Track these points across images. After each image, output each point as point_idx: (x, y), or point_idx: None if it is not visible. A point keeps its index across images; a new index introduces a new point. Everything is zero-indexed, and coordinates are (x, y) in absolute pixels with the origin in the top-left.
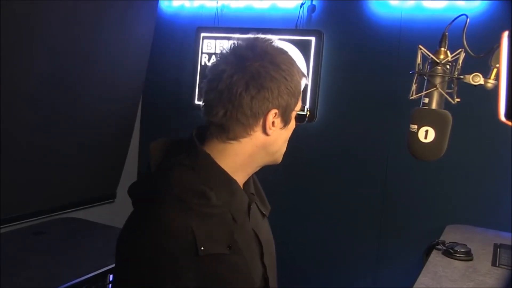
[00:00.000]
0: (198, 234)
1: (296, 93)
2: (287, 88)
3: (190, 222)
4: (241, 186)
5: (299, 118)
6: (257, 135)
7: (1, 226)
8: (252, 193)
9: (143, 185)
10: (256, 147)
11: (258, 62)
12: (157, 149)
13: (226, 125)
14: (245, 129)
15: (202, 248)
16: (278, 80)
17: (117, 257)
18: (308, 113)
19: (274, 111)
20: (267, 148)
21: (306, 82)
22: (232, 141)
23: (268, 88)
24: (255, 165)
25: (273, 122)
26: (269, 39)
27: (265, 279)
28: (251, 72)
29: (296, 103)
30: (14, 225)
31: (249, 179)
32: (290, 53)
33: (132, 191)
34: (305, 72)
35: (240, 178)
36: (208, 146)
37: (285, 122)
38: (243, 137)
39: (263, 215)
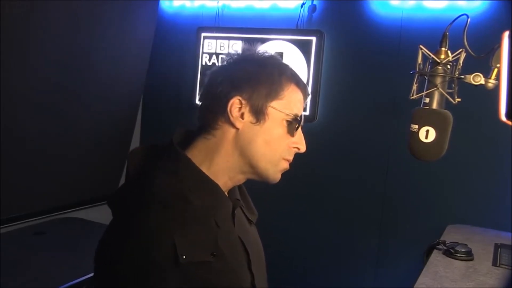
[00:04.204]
0: (179, 242)
1: (268, 83)
2: (256, 76)
3: (172, 230)
4: (225, 192)
5: (290, 125)
6: (226, 128)
7: (1, 226)
8: (238, 199)
9: (124, 193)
10: (229, 143)
11: (238, 59)
12: (136, 156)
13: (200, 116)
14: (214, 117)
15: (184, 256)
16: (246, 66)
17: (97, 264)
18: (299, 119)
19: (237, 97)
20: (242, 147)
21: (292, 85)
22: (207, 136)
23: (233, 74)
24: (235, 169)
25: (242, 114)
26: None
27: (253, 287)
28: (227, 66)
29: (269, 95)
30: (14, 225)
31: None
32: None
33: (112, 200)
34: (296, 79)
35: (222, 183)
36: (190, 150)
37: (257, 116)
38: (214, 128)
39: (250, 222)
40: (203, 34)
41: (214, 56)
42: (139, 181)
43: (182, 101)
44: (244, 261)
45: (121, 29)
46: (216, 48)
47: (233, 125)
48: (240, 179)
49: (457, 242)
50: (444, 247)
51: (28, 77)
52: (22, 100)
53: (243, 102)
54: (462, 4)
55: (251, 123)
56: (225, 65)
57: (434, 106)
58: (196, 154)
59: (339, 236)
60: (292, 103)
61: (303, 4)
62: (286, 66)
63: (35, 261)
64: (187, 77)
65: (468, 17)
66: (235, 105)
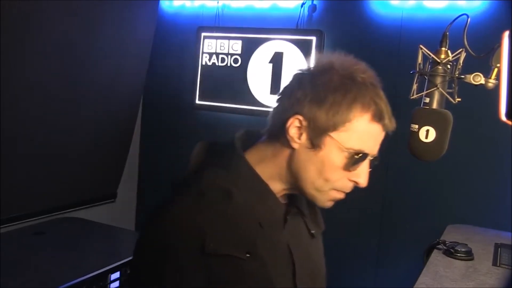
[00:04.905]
0: (209, 231)
1: (332, 111)
2: (321, 99)
3: (204, 218)
4: (279, 196)
5: (349, 159)
6: (284, 143)
7: (1, 226)
8: (298, 207)
9: (179, 181)
10: (284, 159)
11: (316, 70)
12: (199, 149)
13: (268, 120)
14: (276, 128)
15: (212, 245)
16: (316, 84)
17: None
18: (361, 155)
19: (298, 116)
20: (294, 168)
21: (364, 116)
22: (267, 143)
23: (301, 88)
24: (286, 183)
25: (300, 135)
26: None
27: None
28: (305, 75)
29: (330, 124)
30: (14, 225)
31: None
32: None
33: (172, 185)
34: (375, 110)
35: (277, 187)
36: (249, 150)
37: (312, 141)
38: (275, 139)
39: (312, 234)
40: (203, 34)
41: (214, 56)
42: (193, 172)
43: (182, 101)
44: (289, 272)
45: (121, 29)
46: (216, 48)
47: (289, 143)
48: (294, 191)
49: (457, 242)
50: (444, 247)
51: (28, 77)
52: (22, 100)
53: (303, 123)
54: (462, 4)
55: (307, 147)
56: (306, 73)
57: (434, 106)
58: (253, 155)
59: (339, 236)
60: (359, 136)
61: (303, 4)
62: (369, 90)
63: (35, 261)
64: (187, 77)
65: (468, 17)
66: (294, 125)
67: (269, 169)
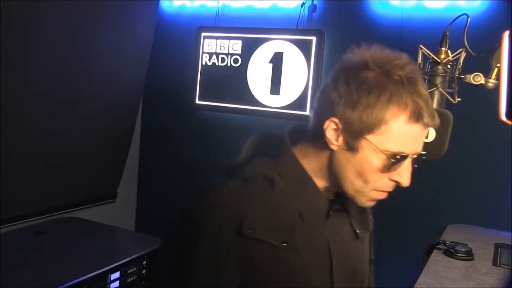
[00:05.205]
0: (249, 215)
1: (366, 114)
2: (355, 102)
3: (245, 202)
4: (325, 191)
5: (388, 160)
6: (324, 143)
7: (1, 226)
8: (343, 205)
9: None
10: (325, 158)
11: (350, 67)
12: (250, 141)
13: (310, 120)
14: (315, 128)
15: (249, 229)
16: (350, 85)
17: None
18: (399, 157)
19: (333, 119)
20: (334, 169)
21: (400, 117)
22: (311, 140)
23: (335, 90)
24: (328, 180)
25: (338, 136)
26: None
27: None
28: (339, 74)
29: (365, 128)
30: (15, 225)
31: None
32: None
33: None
34: (412, 109)
35: (320, 184)
36: (298, 145)
37: (349, 144)
38: (315, 138)
39: (357, 235)
40: (203, 34)
41: (214, 56)
42: (243, 161)
43: (182, 101)
44: (326, 267)
45: (121, 29)
46: (216, 48)
47: (328, 145)
48: (336, 189)
49: (457, 242)
50: (444, 247)
51: (28, 77)
52: (22, 100)
53: (339, 126)
54: (462, 4)
55: (344, 149)
56: (342, 71)
57: (434, 105)
58: (299, 149)
59: None
60: (397, 138)
61: (303, 4)
62: (406, 88)
63: (35, 261)
64: (187, 77)
65: (468, 17)
66: (330, 127)
67: (312, 165)
